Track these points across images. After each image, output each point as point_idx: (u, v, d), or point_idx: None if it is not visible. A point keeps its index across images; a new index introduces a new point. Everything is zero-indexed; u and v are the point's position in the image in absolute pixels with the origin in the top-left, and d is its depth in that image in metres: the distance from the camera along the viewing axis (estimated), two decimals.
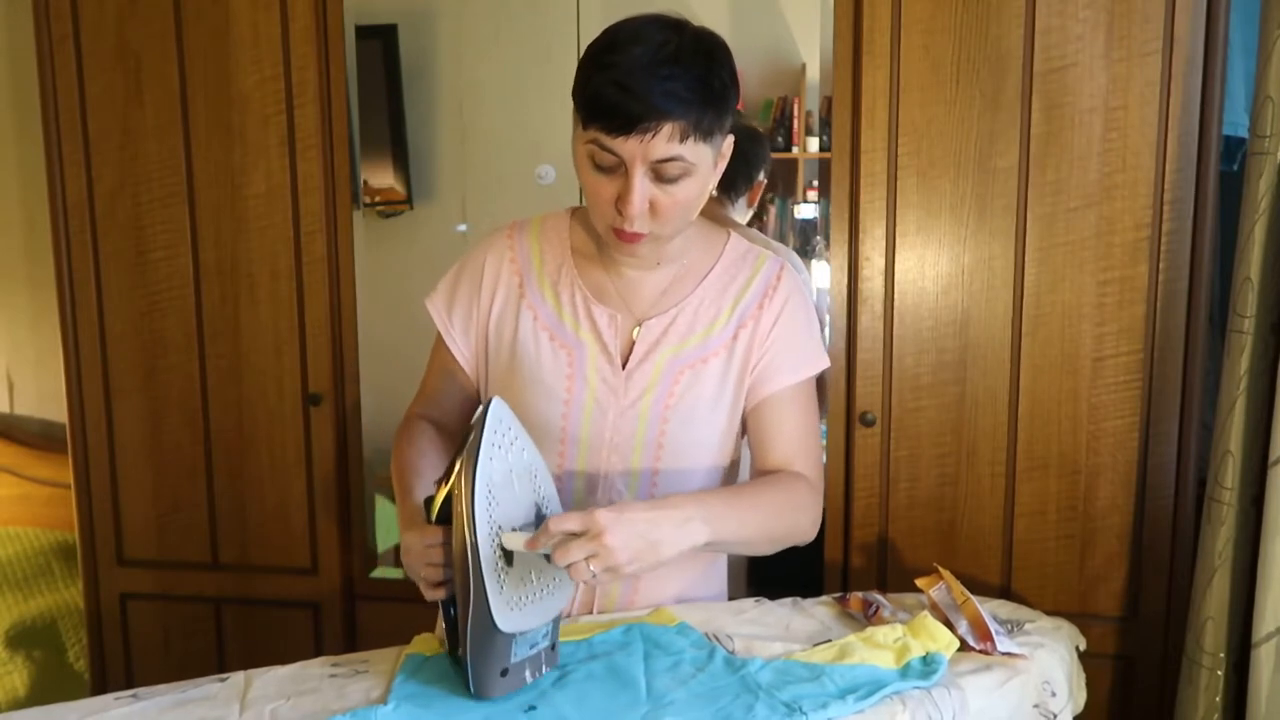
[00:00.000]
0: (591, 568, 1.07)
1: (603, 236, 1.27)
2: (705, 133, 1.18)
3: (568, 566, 1.08)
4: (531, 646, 1.15)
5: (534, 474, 1.17)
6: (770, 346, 1.33)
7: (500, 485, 1.12)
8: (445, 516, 1.15)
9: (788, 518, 1.30)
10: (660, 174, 1.18)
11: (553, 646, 1.19)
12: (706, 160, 1.21)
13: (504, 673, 1.13)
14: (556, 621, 1.19)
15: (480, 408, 1.14)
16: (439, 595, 1.20)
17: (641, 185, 1.18)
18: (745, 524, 1.24)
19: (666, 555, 1.13)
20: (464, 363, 1.39)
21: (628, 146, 1.15)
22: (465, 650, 1.12)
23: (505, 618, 1.10)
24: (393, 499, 2.40)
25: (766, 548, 1.31)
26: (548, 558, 1.10)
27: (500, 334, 1.35)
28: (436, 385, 1.43)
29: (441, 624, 1.27)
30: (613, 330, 1.32)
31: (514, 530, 1.12)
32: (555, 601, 1.17)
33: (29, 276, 2.94)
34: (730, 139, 1.26)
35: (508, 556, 1.11)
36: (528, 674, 1.16)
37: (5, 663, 2.30)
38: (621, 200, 1.19)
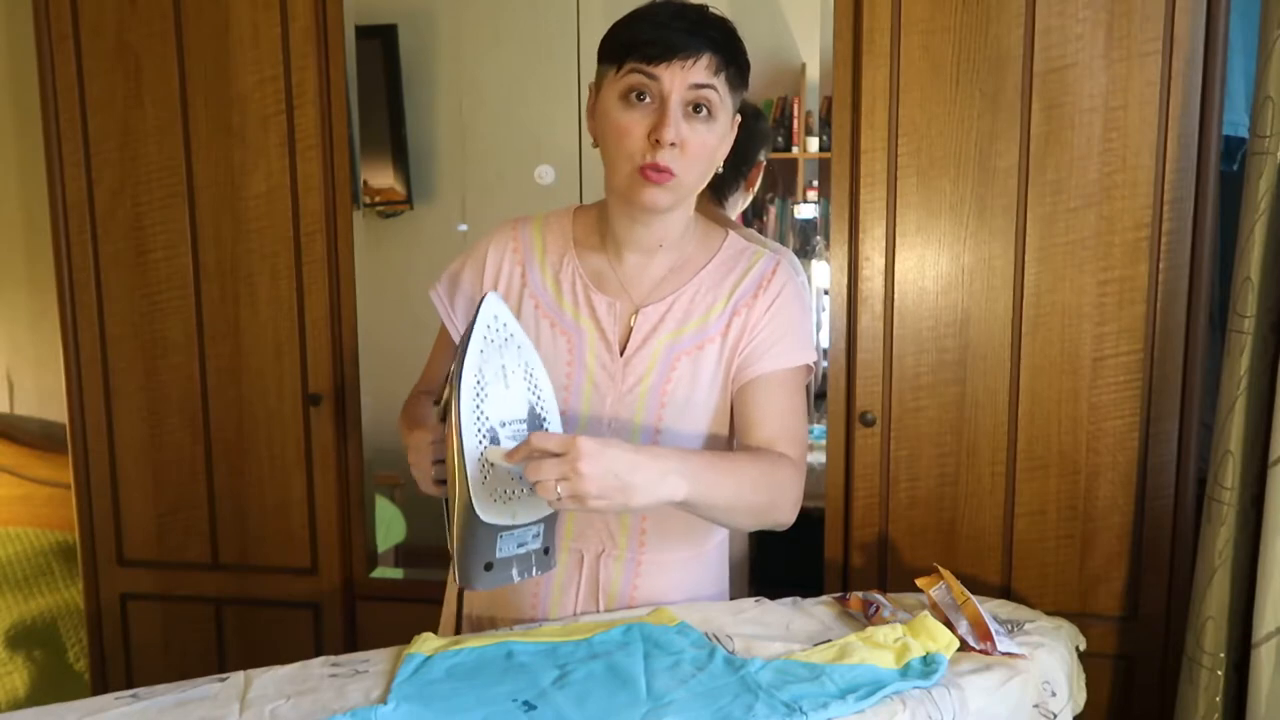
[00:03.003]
0: (559, 490, 1.07)
1: (624, 190, 1.28)
2: (731, 80, 1.26)
3: (536, 484, 1.08)
4: (519, 545, 1.15)
5: (530, 374, 1.18)
6: (760, 331, 1.35)
7: (491, 379, 1.13)
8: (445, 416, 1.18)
9: (769, 492, 1.29)
10: (693, 107, 1.24)
11: (546, 550, 1.18)
12: (728, 110, 1.28)
13: (489, 566, 1.14)
14: (550, 524, 1.18)
15: (477, 303, 1.16)
16: (436, 492, 1.25)
17: (677, 112, 1.23)
18: (724, 487, 1.23)
19: (637, 501, 1.12)
20: None
21: (669, 72, 1.22)
22: (452, 541, 1.13)
23: (486, 508, 1.11)
24: (392, 499, 2.42)
25: (745, 519, 1.30)
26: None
27: None
28: (439, 369, 1.47)
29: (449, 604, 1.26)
30: (611, 317, 1.35)
31: (504, 425, 1.13)
32: (544, 503, 1.16)
33: (29, 276, 2.94)
34: (738, 118, 1.32)
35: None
36: (515, 572, 1.16)
37: (5, 663, 2.30)
38: (658, 128, 1.23)
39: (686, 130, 1.24)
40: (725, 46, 1.25)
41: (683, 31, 1.22)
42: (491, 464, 1.12)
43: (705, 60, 1.22)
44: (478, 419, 1.11)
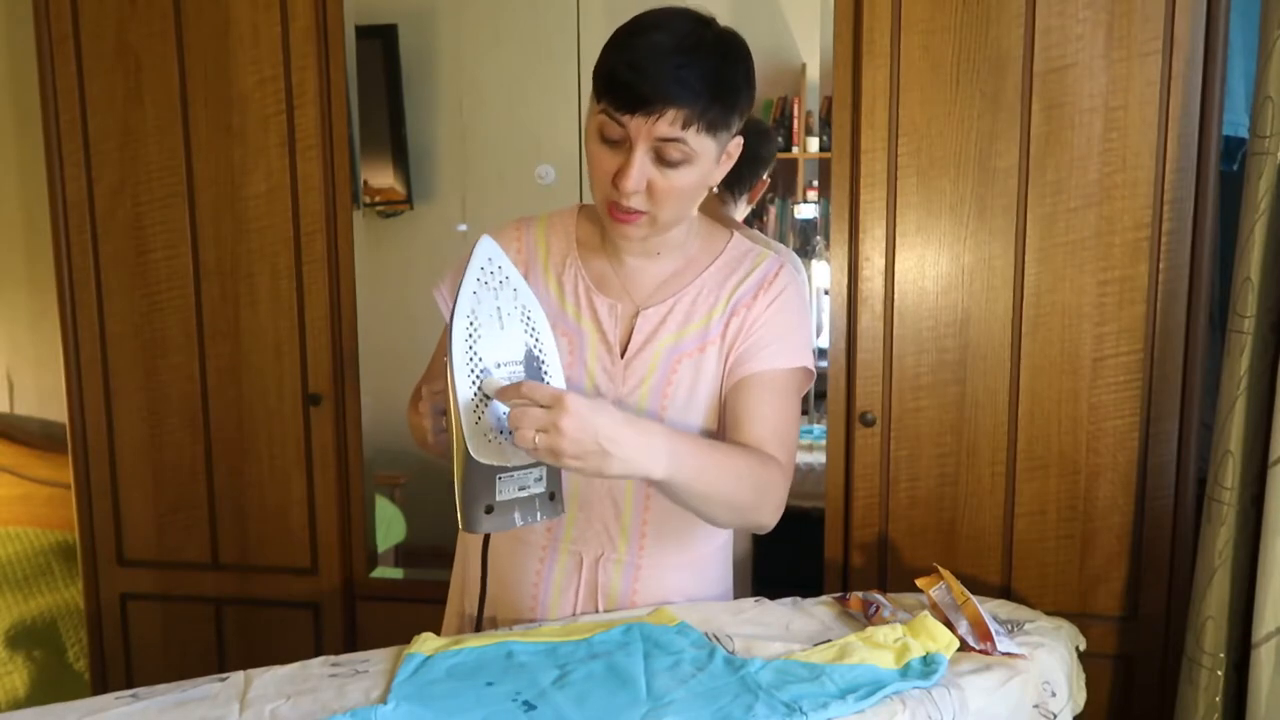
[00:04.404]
0: (536, 440, 1.06)
1: (601, 218, 1.29)
2: (710, 126, 1.20)
3: (515, 431, 1.07)
4: (520, 489, 1.15)
5: (527, 316, 1.17)
6: (757, 330, 1.33)
7: (485, 321, 1.13)
8: None
9: (753, 491, 1.26)
10: (662, 155, 1.20)
11: (551, 496, 1.17)
12: (709, 153, 1.23)
13: (489, 510, 1.13)
14: (553, 469, 1.17)
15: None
16: (434, 443, 1.24)
17: (641, 162, 1.20)
18: (707, 474, 1.19)
19: (612, 471, 1.10)
20: None
21: (634, 123, 1.18)
22: (455, 482, 1.13)
23: (480, 447, 1.11)
24: (392, 499, 2.41)
25: (724, 512, 1.26)
26: None
27: None
28: (442, 367, 1.45)
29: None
30: (612, 319, 1.34)
31: (499, 366, 1.13)
32: None
33: (29, 276, 2.94)
34: (739, 140, 1.27)
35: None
36: (517, 516, 1.15)
37: (5, 663, 2.30)
38: (620, 175, 1.20)
39: (655, 174, 1.21)
40: (704, 93, 1.18)
41: (659, 79, 1.16)
42: (486, 403, 1.12)
43: (671, 115, 1.17)
44: (470, 359, 1.12)
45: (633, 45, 1.19)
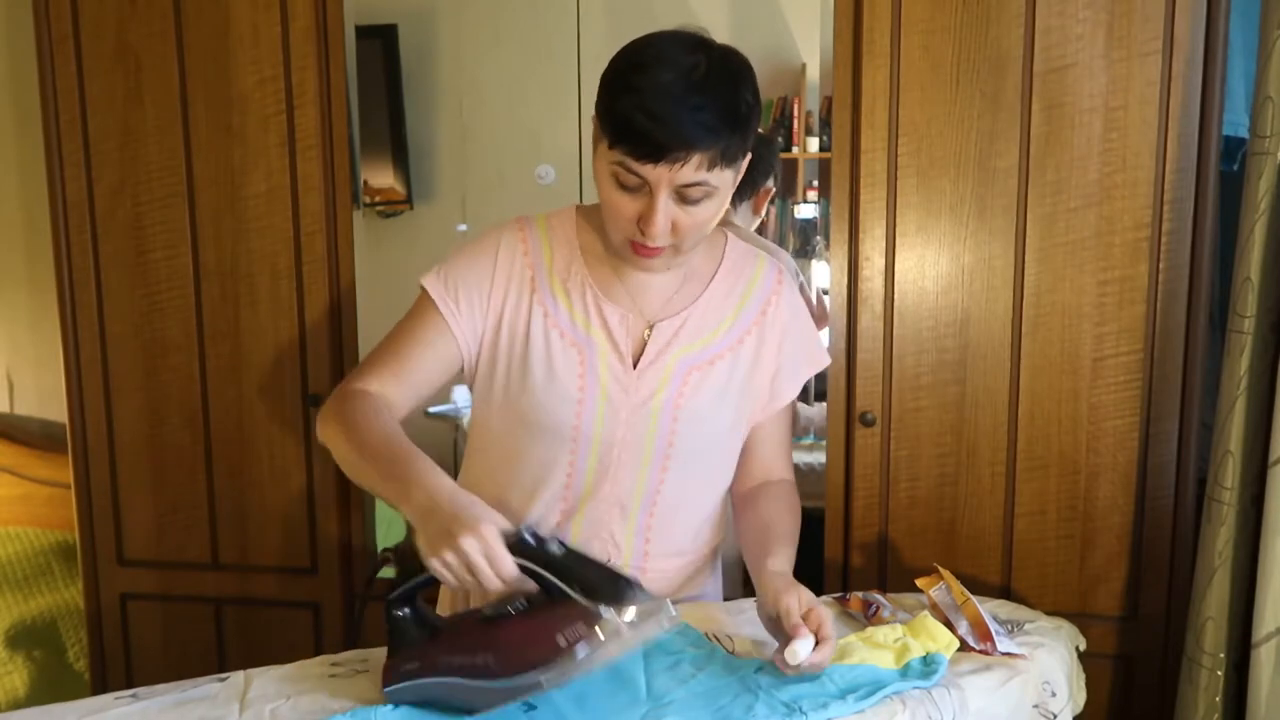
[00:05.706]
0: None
1: (617, 248, 1.28)
2: (730, 159, 1.20)
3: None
4: None
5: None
6: (781, 363, 1.39)
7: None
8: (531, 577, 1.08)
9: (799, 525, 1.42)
10: (683, 196, 1.20)
11: None
12: (728, 183, 1.24)
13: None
14: None
15: None
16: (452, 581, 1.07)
17: (665, 207, 1.19)
18: (793, 549, 1.38)
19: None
20: (461, 340, 1.34)
21: (655, 172, 1.16)
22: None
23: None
24: None
25: None
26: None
27: (514, 329, 1.34)
28: (409, 359, 1.33)
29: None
30: (624, 329, 1.33)
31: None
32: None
33: (29, 276, 2.94)
34: (748, 156, 1.26)
35: None
36: None
37: (5, 663, 2.30)
38: (645, 220, 1.20)
39: (678, 213, 1.20)
40: (724, 130, 1.16)
41: (678, 125, 1.13)
42: None
43: (695, 160, 1.15)
44: None
45: (640, 88, 1.15)
